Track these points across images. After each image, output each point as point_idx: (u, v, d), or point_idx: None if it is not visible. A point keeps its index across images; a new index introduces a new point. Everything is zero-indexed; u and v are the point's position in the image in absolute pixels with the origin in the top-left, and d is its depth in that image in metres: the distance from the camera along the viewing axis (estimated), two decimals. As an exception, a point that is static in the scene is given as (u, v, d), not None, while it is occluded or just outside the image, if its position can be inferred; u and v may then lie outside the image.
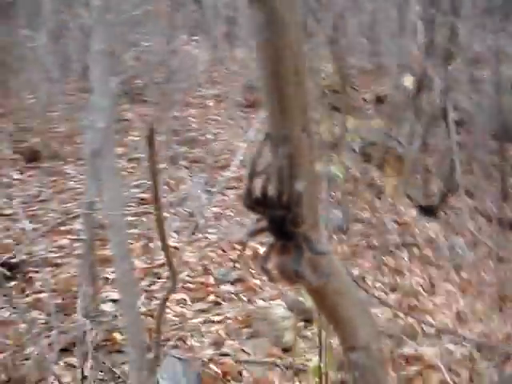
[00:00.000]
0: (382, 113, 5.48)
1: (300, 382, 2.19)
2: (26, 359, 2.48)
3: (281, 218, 0.53)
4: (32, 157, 5.09)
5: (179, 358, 2.42)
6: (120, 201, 1.52)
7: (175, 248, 3.66)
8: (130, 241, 3.58)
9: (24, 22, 6.48)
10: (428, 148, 5.12)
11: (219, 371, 2.38)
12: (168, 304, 2.87)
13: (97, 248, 2.96)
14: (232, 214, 4.11)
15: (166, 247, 1.51)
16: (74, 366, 2.44)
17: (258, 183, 0.54)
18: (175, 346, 2.56)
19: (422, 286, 3.23)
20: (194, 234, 3.92)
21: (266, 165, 0.53)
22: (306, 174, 0.52)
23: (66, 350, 2.51)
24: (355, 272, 2.94)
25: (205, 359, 2.45)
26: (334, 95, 4.19)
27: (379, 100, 6.01)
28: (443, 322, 2.74)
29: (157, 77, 6.01)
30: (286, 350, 2.50)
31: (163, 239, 1.44)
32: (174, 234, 3.93)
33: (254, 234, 0.58)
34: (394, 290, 3.14)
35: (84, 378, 2.34)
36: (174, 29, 6.64)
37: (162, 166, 4.67)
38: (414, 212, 4.66)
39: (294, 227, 0.53)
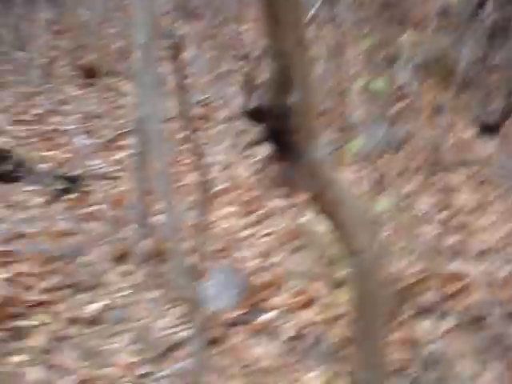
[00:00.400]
0: (445, 26, 5.23)
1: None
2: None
3: (277, 128, 0.53)
4: (89, 73, 5.18)
5: (226, 268, 2.52)
6: (160, 115, 1.55)
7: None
8: (183, 155, 3.67)
9: None
10: (492, 63, 4.89)
11: (265, 280, 2.46)
12: (219, 217, 2.97)
13: (150, 162, 3.05)
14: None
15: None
16: (128, 274, 2.58)
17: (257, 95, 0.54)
18: (223, 257, 2.65)
19: (473, 205, 3.18)
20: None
21: (264, 78, 0.53)
22: (300, 85, 0.52)
23: (120, 259, 2.66)
24: (404, 190, 2.91)
25: (251, 269, 2.53)
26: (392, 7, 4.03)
27: (441, 13, 5.72)
28: (492, 240, 2.71)
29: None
30: (330, 264, 2.55)
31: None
32: (227, 150, 3.98)
33: (254, 143, 0.58)
34: (444, 208, 3.10)
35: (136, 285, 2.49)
36: None
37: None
38: (473, 130, 4.52)
39: (288, 136, 0.54)
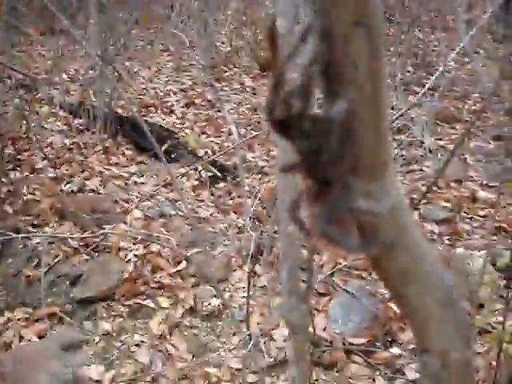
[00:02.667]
0: None
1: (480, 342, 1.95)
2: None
3: (312, 149, 0.36)
4: (265, 65, 5.20)
5: (359, 289, 2.31)
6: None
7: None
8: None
9: None
10: None
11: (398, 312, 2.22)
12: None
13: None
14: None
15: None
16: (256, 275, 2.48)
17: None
18: (360, 276, 2.44)
19: None
20: (409, 164, 3.69)
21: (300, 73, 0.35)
22: (353, 89, 0.34)
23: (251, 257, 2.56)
24: None
25: (387, 295, 2.30)
26: None
27: None
28: None
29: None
30: (478, 306, 2.24)
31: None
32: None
33: (287, 169, 0.42)
34: None
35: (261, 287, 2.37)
36: None
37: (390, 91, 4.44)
38: None
39: (330, 167, 0.36)
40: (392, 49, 5.45)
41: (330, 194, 0.38)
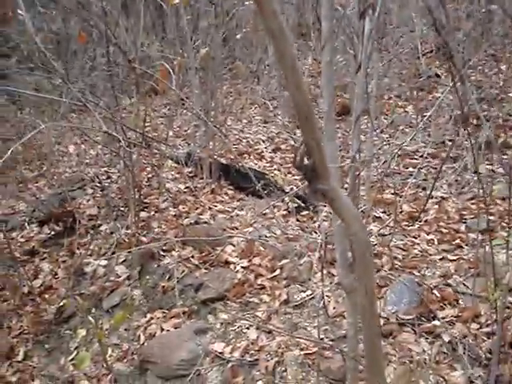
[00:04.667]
0: None
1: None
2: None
3: (308, 173, 1.15)
4: (343, 111, 6.03)
5: (410, 281, 3.05)
6: (335, 158, 2.21)
7: (442, 198, 4.20)
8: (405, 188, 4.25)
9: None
10: None
11: (439, 295, 2.94)
12: (417, 241, 3.50)
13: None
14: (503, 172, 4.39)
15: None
16: (332, 276, 3.27)
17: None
18: (410, 273, 3.18)
19: None
20: (463, 187, 4.36)
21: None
22: (316, 158, 1.13)
23: (329, 263, 3.36)
24: None
25: (430, 285, 3.03)
26: None
27: None
28: None
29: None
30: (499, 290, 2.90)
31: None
32: (445, 186, 4.44)
33: (299, 189, 1.21)
34: None
35: (335, 284, 3.15)
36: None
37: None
38: None
39: (314, 179, 1.15)
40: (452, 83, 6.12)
41: (311, 184, 1.19)
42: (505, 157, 4.81)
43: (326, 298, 3.04)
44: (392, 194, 4.23)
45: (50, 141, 6.06)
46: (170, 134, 6.66)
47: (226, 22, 4.50)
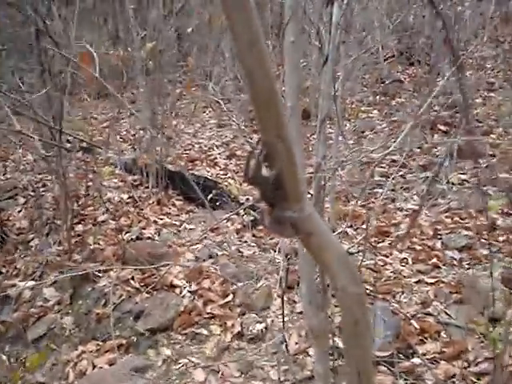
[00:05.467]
0: None
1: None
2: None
3: (268, 192, 0.72)
4: (302, 116, 5.61)
5: (384, 309, 2.62)
6: (301, 167, 1.77)
7: (413, 210, 3.81)
8: (372, 200, 3.85)
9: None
10: None
11: (418, 327, 2.52)
12: (389, 261, 3.09)
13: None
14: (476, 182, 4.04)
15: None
16: (292, 302, 2.81)
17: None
18: (384, 299, 2.76)
19: None
20: (435, 199, 3.99)
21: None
22: (282, 167, 0.69)
23: (289, 288, 2.91)
24: None
25: (408, 314, 2.61)
26: None
27: None
28: None
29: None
30: (493, 320, 2.51)
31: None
32: (416, 197, 4.05)
33: (256, 201, 0.77)
34: None
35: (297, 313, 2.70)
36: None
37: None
38: None
39: (276, 200, 0.72)
40: (422, 89, 5.82)
41: (274, 211, 0.74)
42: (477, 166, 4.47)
43: (286, 330, 2.58)
44: (360, 206, 3.82)
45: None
46: (117, 138, 6.15)
47: (175, 12, 4.02)
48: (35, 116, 2.89)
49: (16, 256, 3.83)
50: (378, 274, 3.00)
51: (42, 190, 4.63)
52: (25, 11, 3.23)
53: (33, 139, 2.97)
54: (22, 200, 4.60)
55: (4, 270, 3.74)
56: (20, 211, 4.44)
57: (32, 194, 4.53)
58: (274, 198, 0.71)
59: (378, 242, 3.39)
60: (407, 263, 3.12)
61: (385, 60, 8.01)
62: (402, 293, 2.82)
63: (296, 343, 2.53)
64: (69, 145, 4.71)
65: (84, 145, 5.05)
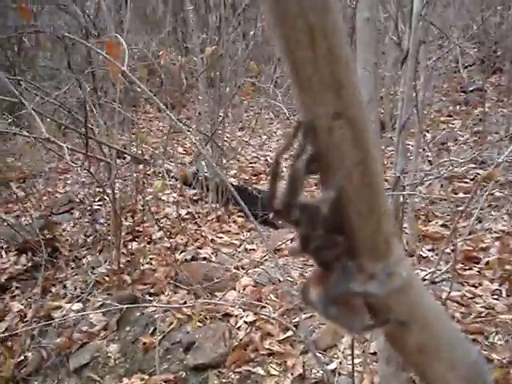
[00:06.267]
0: None
1: None
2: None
3: (303, 235, 0.37)
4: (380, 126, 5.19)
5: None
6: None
7: (504, 232, 3.33)
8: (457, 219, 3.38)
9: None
10: None
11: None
12: (479, 292, 2.63)
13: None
14: None
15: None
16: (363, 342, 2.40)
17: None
18: (474, 340, 2.31)
19: None
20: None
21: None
22: (341, 178, 0.35)
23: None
24: None
25: (504, 360, 2.16)
26: None
27: None
28: None
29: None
30: None
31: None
32: (506, 216, 3.56)
33: (293, 252, 0.43)
34: None
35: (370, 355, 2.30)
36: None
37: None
38: None
39: (325, 251, 0.37)
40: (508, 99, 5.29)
41: (328, 276, 0.39)
42: None
43: (356, 374, 2.17)
44: (441, 225, 3.37)
45: (41, 157, 5.33)
46: (180, 150, 5.92)
47: (237, 15, 3.70)
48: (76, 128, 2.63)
49: (67, 274, 3.60)
50: (466, 308, 2.55)
51: (98, 204, 4.41)
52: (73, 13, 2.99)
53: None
54: (77, 214, 4.40)
55: (54, 290, 3.51)
56: (74, 226, 4.23)
57: (87, 208, 4.32)
58: (328, 248, 0.36)
59: (465, 270, 2.93)
60: (500, 295, 2.65)
61: (465, 68, 7.46)
62: (496, 333, 2.36)
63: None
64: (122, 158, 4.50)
65: (146, 157, 4.82)
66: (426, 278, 2.62)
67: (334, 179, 0.37)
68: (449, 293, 2.26)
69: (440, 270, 2.65)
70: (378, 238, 0.37)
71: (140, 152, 4.58)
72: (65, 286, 3.46)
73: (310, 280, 0.43)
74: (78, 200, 4.58)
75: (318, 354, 2.35)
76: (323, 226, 0.38)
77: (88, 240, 3.98)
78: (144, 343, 2.78)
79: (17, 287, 3.74)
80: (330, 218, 0.37)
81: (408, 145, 3.34)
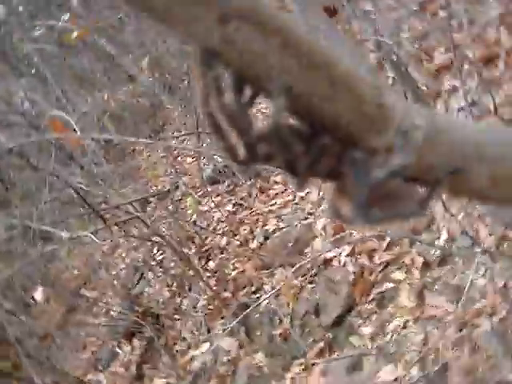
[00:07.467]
0: None
1: None
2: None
3: (293, 160, 0.31)
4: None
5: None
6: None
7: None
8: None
9: None
10: None
11: None
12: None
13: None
14: None
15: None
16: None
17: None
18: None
19: None
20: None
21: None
22: (284, 77, 0.28)
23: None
24: None
25: None
26: None
27: None
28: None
29: None
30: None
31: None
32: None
33: (300, 186, 0.36)
34: None
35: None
36: None
37: None
38: None
39: (325, 160, 0.30)
40: None
41: (346, 184, 0.33)
42: None
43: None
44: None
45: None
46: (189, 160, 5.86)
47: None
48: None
49: (178, 328, 3.62)
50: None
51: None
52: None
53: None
54: (150, 275, 4.41)
55: (178, 348, 3.53)
56: (154, 286, 4.25)
57: (153, 263, 4.32)
58: (320, 157, 0.30)
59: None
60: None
61: None
62: None
63: None
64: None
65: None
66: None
67: (272, 84, 0.31)
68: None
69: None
70: (367, 108, 0.31)
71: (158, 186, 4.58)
72: (184, 339, 3.48)
73: (332, 200, 0.37)
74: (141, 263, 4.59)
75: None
76: (298, 138, 0.32)
77: (173, 288, 3.99)
78: (280, 334, 2.77)
79: (148, 368, 3.80)
80: (298, 124, 0.31)
81: None
